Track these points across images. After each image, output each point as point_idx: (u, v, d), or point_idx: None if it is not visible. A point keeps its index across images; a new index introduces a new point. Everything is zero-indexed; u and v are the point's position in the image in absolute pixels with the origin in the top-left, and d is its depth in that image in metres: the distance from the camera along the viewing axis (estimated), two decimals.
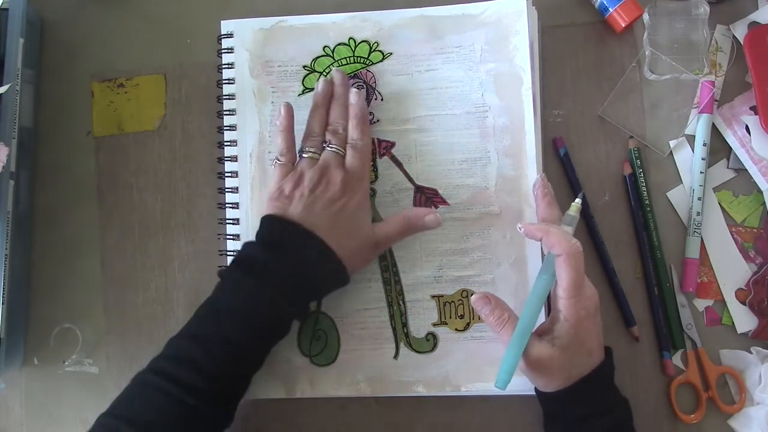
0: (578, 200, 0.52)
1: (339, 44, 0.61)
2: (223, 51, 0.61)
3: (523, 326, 0.49)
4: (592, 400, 0.49)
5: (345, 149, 0.55)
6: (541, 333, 0.50)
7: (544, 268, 0.50)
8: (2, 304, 0.57)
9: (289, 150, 0.55)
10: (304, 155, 0.55)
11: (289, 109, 0.56)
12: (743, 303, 0.58)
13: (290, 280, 0.50)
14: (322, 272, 0.52)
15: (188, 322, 0.51)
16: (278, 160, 0.55)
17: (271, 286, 0.50)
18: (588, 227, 0.59)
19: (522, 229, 0.51)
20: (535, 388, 0.52)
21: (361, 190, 0.54)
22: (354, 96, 0.56)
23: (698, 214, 0.58)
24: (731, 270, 0.59)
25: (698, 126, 0.60)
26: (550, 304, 0.52)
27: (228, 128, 0.61)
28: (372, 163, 0.59)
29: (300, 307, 0.53)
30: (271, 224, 0.52)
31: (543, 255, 0.56)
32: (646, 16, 0.60)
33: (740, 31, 0.61)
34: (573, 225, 0.51)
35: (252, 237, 0.54)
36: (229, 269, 0.52)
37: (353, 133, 0.55)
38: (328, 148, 0.55)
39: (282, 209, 0.52)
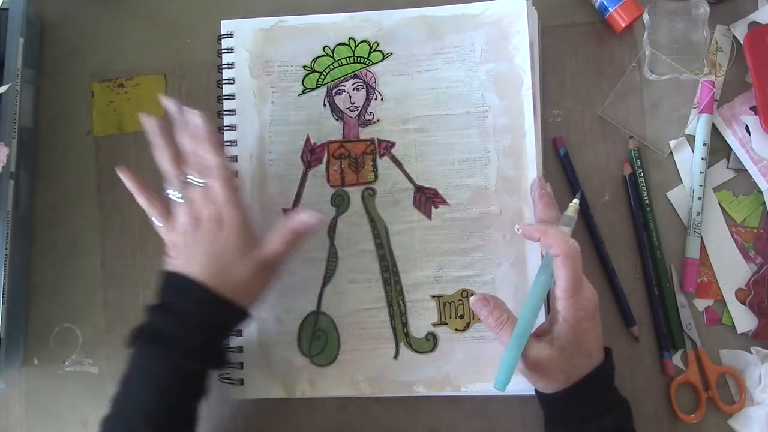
0: (576, 201, 0.52)
1: (339, 44, 0.61)
2: (223, 51, 0.61)
3: (521, 327, 0.49)
4: (592, 401, 0.49)
5: (205, 177, 0.52)
6: (540, 334, 0.50)
7: (542, 268, 0.50)
8: (2, 304, 0.57)
9: (156, 209, 0.53)
10: (171, 200, 0.52)
11: (129, 174, 0.53)
12: (743, 303, 0.58)
13: (191, 337, 0.49)
14: (216, 318, 0.50)
15: (114, 397, 0.50)
16: (157, 225, 0.53)
17: (174, 349, 0.48)
18: (588, 227, 0.59)
19: (520, 231, 0.51)
20: (536, 389, 0.52)
21: (233, 218, 0.51)
22: (197, 117, 0.52)
23: (698, 214, 0.58)
24: (731, 270, 0.59)
25: (698, 126, 0.60)
26: (549, 305, 0.52)
27: (228, 128, 0.61)
28: (372, 162, 0.59)
29: (210, 358, 0.51)
30: (162, 282, 0.51)
31: (542, 256, 0.56)
32: (646, 16, 0.60)
33: (740, 31, 0.61)
34: (571, 225, 0.51)
35: None
36: (133, 339, 0.50)
37: (207, 159, 0.51)
38: (190, 183, 0.52)
39: (172, 263, 0.51)
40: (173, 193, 0.52)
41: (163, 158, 0.53)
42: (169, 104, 0.54)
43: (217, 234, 0.51)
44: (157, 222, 0.53)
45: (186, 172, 0.52)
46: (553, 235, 0.49)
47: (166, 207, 0.53)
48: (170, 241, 0.52)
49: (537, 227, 0.50)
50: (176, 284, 0.50)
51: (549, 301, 0.52)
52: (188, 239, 0.51)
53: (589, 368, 0.49)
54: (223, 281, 0.50)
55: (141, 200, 0.53)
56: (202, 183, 0.52)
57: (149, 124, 0.53)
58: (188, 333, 0.49)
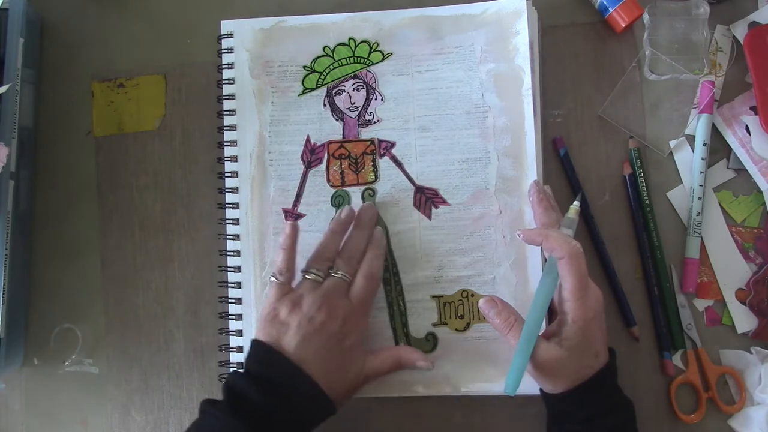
0: (576, 202, 0.52)
1: (339, 44, 0.61)
2: (223, 51, 0.61)
3: (529, 330, 0.49)
4: (598, 401, 0.49)
5: (353, 277, 0.53)
6: (548, 336, 0.50)
7: (546, 271, 0.50)
8: (2, 304, 0.57)
9: (288, 269, 0.53)
10: (307, 276, 0.52)
11: (295, 229, 0.53)
12: (743, 303, 0.58)
13: (278, 422, 0.48)
14: (311, 413, 0.49)
15: None
16: (275, 278, 0.52)
17: (258, 430, 0.47)
18: (588, 227, 0.59)
19: (521, 236, 0.51)
20: (541, 389, 0.52)
21: (361, 324, 0.52)
22: (380, 232, 0.56)
23: (698, 214, 0.58)
24: (731, 270, 0.59)
25: (698, 126, 0.60)
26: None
27: (228, 128, 0.61)
28: (372, 163, 0.59)
29: None
30: (262, 355, 0.50)
31: (542, 257, 0.56)
32: (646, 16, 0.60)
33: (740, 31, 0.61)
34: (573, 227, 0.51)
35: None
36: (213, 405, 0.48)
37: (373, 262, 0.54)
38: (335, 275, 0.53)
39: (275, 337, 0.50)
40: (315, 271, 0.52)
41: (330, 242, 0.54)
42: (368, 209, 0.56)
43: (341, 335, 0.50)
44: (275, 277, 0.52)
45: (337, 263, 0.53)
46: (555, 238, 0.49)
47: (293, 275, 0.53)
48: (278, 309, 0.51)
49: (538, 231, 0.51)
50: (282, 367, 0.49)
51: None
52: (308, 327, 0.50)
53: (596, 368, 0.49)
54: (328, 381, 0.49)
55: (283, 254, 0.53)
56: (347, 277, 0.53)
57: (346, 212, 0.56)
58: (277, 417, 0.47)
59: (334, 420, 0.59)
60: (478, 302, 0.57)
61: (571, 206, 0.52)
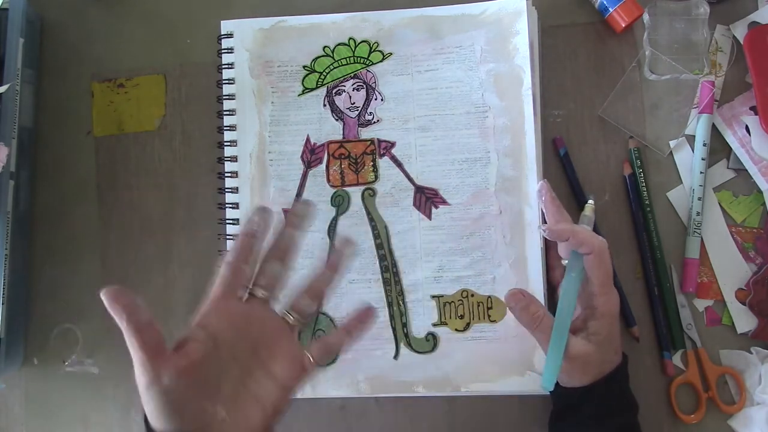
0: (591, 201, 0.53)
1: (339, 44, 0.61)
2: (223, 51, 0.61)
3: (561, 325, 0.49)
4: (611, 398, 0.50)
5: None
6: (574, 331, 0.50)
7: (570, 267, 0.51)
8: (2, 304, 0.57)
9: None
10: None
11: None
12: (743, 303, 0.58)
13: None
14: None
15: None
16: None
17: None
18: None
19: (546, 232, 0.51)
20: None
21: None
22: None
23: (698, 214, 0.58)
24: (731, 270, 0.59)
25: (698, 126, 0.59)
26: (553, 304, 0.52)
27: (228, 128, 0.61)
28: (372, 162, 0.59)
29: None
30: None
31: (544, 254, 0.56)
32: (646, 16, 0.60)
33: (740, 31, 0.61)
34: (590, 225, 0.52)
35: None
36: None
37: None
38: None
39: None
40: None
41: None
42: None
43: None
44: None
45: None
46: (583, 233, 0.50)
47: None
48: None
49: (565, 227, 0.51)
50: None
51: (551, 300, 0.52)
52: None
53: (615, 365, 0.50)
54: None
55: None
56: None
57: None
58: None
59: (335, 420, 0.59)
60: (476, 303, 0.57)
61: (587, 204, 0.53)
